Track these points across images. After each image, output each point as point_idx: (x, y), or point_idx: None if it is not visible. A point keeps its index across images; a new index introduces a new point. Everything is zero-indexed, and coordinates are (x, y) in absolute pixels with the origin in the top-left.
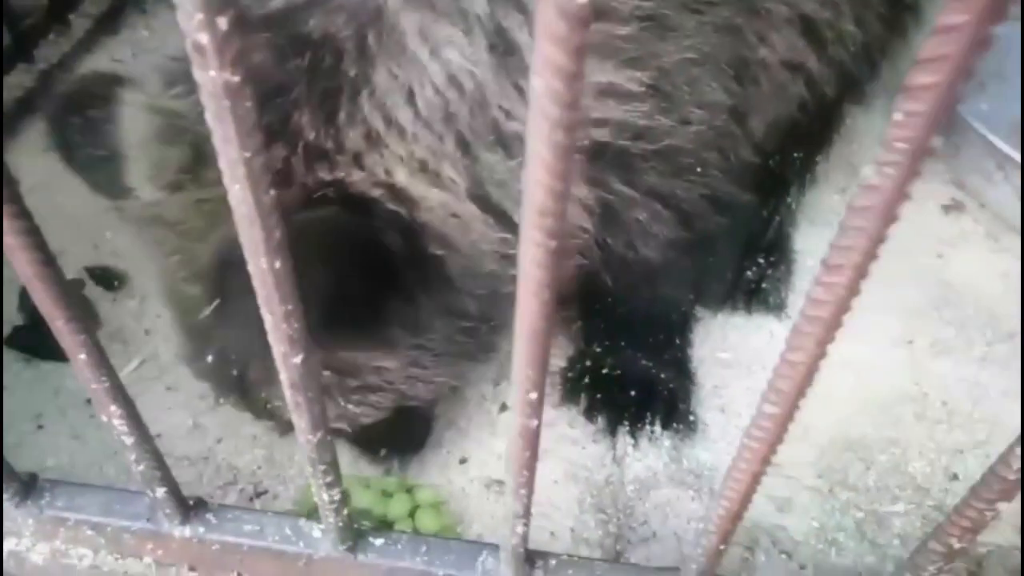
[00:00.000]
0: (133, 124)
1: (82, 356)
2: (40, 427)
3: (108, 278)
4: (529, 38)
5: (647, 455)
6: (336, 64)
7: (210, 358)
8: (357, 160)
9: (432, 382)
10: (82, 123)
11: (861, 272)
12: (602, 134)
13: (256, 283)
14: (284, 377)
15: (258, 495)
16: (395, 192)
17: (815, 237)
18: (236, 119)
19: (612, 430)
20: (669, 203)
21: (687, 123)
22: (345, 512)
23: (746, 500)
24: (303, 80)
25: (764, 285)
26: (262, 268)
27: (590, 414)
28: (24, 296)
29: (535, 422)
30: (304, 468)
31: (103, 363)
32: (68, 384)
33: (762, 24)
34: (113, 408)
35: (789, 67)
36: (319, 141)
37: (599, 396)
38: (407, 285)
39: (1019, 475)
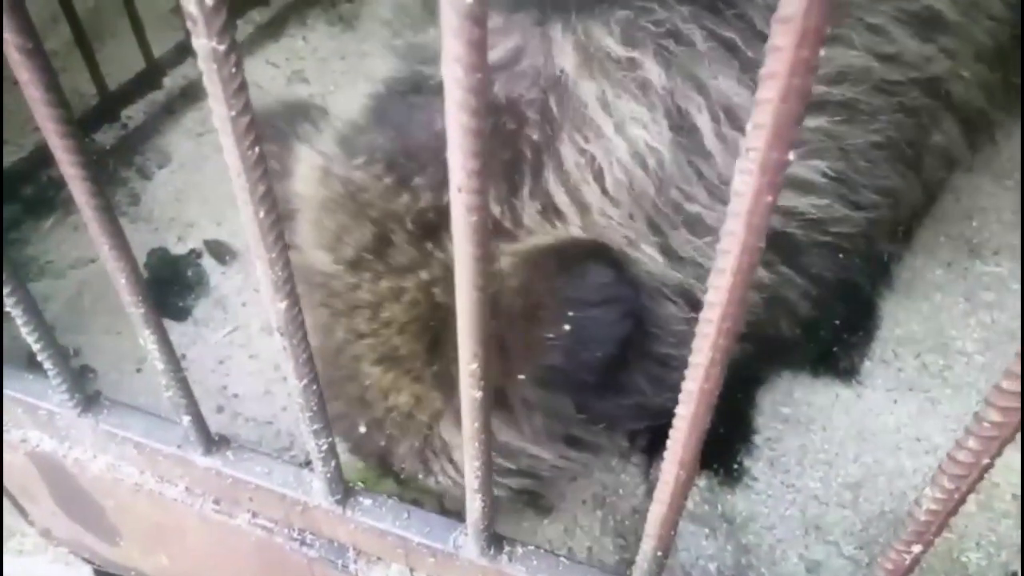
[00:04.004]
0: (308, 183)
1: (122, 280)
2: (139, 370)
3: (221, 252)
4: (709, 120)
5: None
6: (518, 130)
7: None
8: (545, 229)
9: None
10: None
11: (742, 277)
12: (776, 222)
13: (246, 231)
14: (273, 322)
15: (307, 463)
16: None
17: (907, 309)
18: (222, 81)
19: (651, 453)
20: (817, 284)
21: (860, 209)
22: (333, 463)
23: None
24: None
25: (835, 348)
26: (249, 216)
27: (633, 435)
28: (150, 256)
29: (479, 393)
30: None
31: (140, 290)
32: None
33: (937, 107)
34: (147, 332)
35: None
36: (506, 211)
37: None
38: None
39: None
